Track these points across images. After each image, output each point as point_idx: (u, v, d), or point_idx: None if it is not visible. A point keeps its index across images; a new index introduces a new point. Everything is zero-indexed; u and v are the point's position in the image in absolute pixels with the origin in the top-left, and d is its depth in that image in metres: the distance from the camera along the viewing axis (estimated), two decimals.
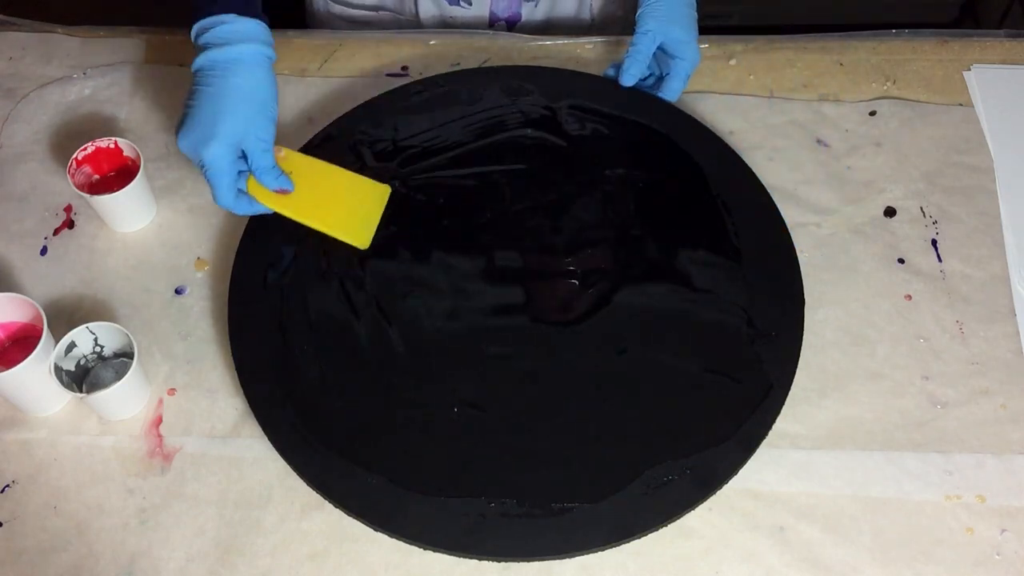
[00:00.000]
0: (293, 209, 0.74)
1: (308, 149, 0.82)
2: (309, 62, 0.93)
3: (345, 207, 0.76)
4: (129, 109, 0.89)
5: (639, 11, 0.83)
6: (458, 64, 0.92)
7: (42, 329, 0.68)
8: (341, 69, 0.92)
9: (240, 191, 0.73)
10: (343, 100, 0.88)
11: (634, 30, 0.83)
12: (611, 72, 0.87)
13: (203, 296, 0.78)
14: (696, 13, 0.84)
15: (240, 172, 0.73)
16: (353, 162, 0.82)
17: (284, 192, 0.74)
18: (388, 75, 0.92)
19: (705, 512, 0.68)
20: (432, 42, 0.94)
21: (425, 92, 0.86)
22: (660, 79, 0.86)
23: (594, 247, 0.78)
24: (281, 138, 0.86)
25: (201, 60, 0.72)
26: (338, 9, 1.01)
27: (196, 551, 0.67)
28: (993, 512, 0.69)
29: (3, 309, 0.71)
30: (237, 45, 0.72)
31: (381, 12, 0.99)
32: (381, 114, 0.85)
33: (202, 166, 0.71)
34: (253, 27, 0.73)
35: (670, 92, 0.85)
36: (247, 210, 0.75)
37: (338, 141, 0.83)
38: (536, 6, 0.97)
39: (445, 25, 0.98)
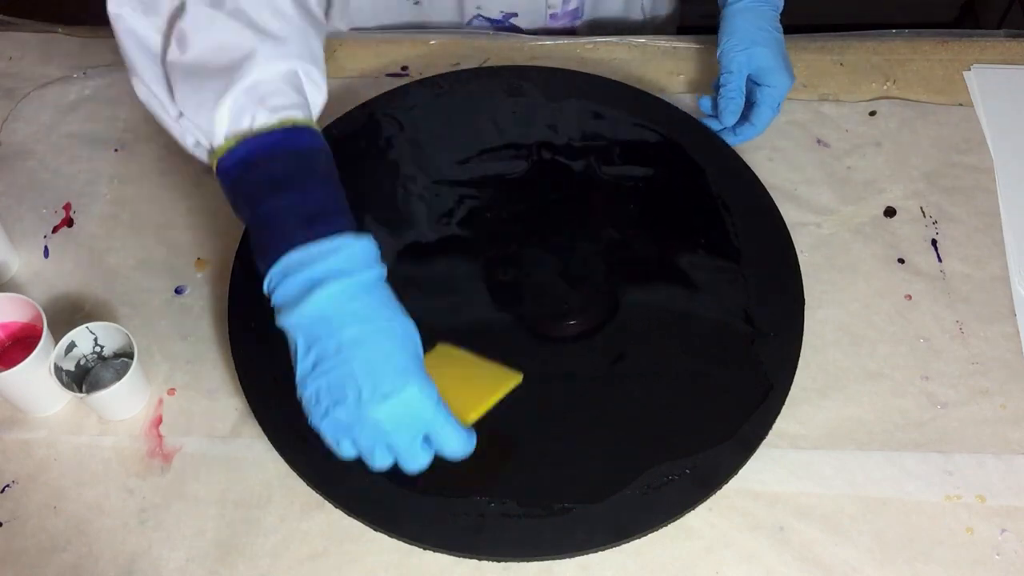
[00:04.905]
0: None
1: None
2: None
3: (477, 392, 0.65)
4: (129, 109, 0.89)
5: (720, 47, 0.81)
6: (458, 64, 0.92)
7: (42, 329, 0.68)
8: (341, 69, 0.92)
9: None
10: (343, 100, 0.88)
11: (719, 69, 0.81)
12: (705, 105, 0.84)
13: (203, 296, 0.78)
14: (781, 35, 0.81)
15: None
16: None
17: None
18: (388, 75, 0.92)
19: (705, 512, 0.68)
20: (432, 42, 0.94)
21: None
22: (750, 106, 0.82)
23: (593, 248, 0.78)
24: None
25: (321, 303, 0.54)
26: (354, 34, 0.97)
27: (196, 551, 0.67)
28: (993, 512, 0.69)
29: (3, 309, 0.71)
30: (361, 274, 0.55)
31: None
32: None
33: (383, 433, 0.55)
34: (369, 246, 0.57)
35: (760, 121, 0.81)
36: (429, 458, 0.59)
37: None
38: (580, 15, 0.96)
39: None
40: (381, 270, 0.57)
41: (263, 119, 0.57)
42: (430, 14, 0.96)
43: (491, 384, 0.66)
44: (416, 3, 0.95)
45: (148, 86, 0.60)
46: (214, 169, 0.59)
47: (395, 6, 0.95)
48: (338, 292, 0.54)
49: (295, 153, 0.57)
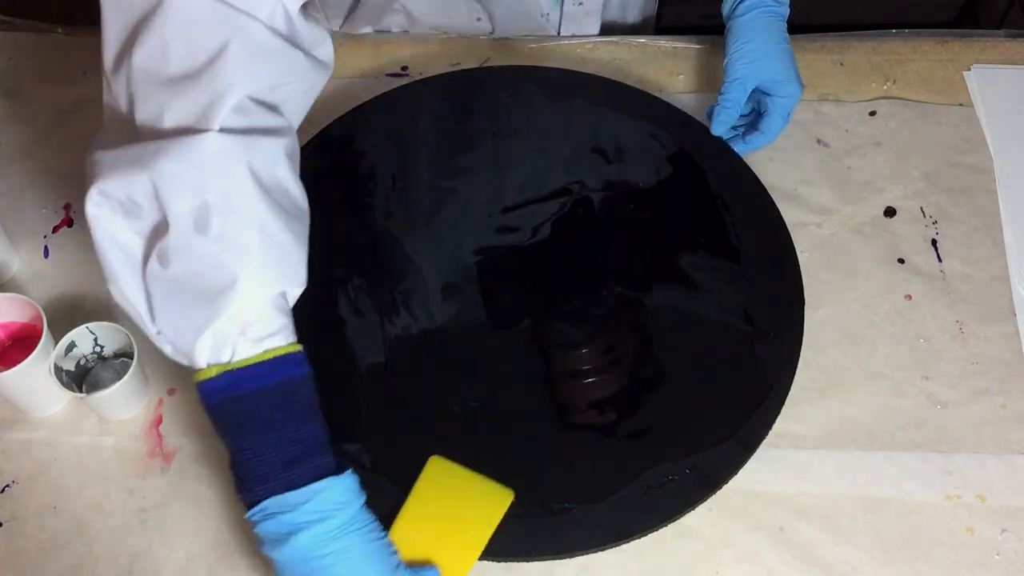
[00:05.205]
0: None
1: (305, 152, 0.82)
2: None
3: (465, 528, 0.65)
4: None
5: (727, 57, 0.80)
6: (458, 64, 0.92)
7: (42, 329, 0.68)
8: (341, 69, 0.92)
9: None
10: (343, 100, 0.87)
11: (724, 77, 0.80)
12: (711, 113, 0.83)
13: None
14: (790, 45, 0.81)
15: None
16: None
17: None
18: (388, 75, 0.92)
19: (705, 512, 0.68)
20: (432, 42, 0.94)
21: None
22: (759, 115, 0.82)
23: (592, 248, 0.78)
24: None
25: (301, 548, 0.55)
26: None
27: (196, 551, 0.67)
28: (993, 512, 0.69)
29: (3, 309, 0.71)
30: (340, 515, 0.57)
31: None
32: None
33: None
34: (347, 484, 0.58)
35: (769, 130, 0.81)
36: None
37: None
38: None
39: None
40: (359, 501, 0.58)
41: (244, 351, 0.56)
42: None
43: (486, 515, 0.65)
44: (478, 20, 0.95)
45: (126, 296, 0.57)
46: (194, 381, 0.58)
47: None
48: (319, 536, 0.56)
49: (276, 389, 0.57)
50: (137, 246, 0.57)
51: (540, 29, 0.95)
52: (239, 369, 0.56)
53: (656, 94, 0.87)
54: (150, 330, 0.57)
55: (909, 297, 0.79)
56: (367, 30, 0.96)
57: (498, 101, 0.86)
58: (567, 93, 0.86)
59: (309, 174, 0.80)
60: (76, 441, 0.71)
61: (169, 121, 0.56)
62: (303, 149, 0.81)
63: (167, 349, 0.58)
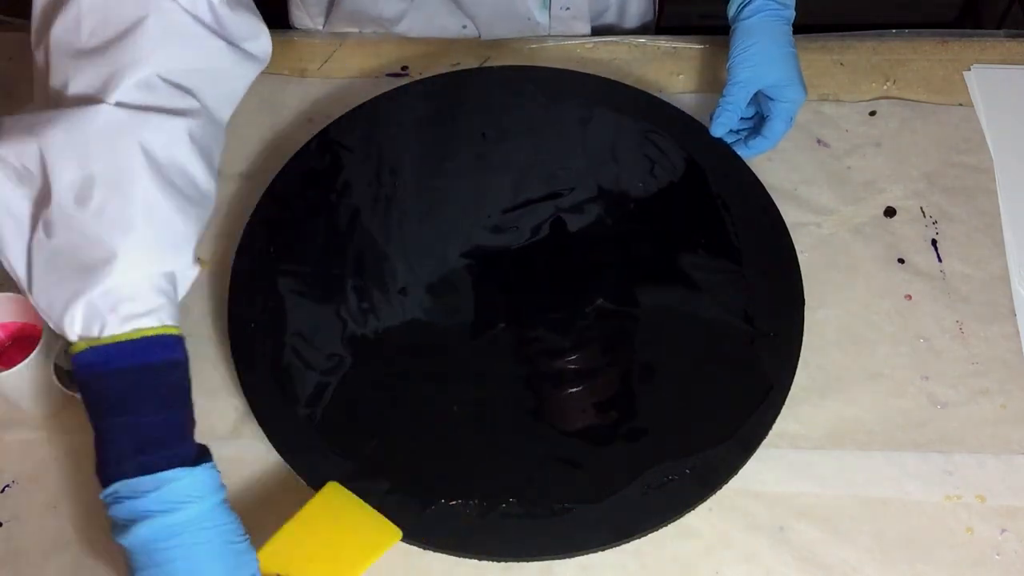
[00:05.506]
0: None
1: (305, 152, 0.82)
2: (309, 62, 0.92)
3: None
4: None
5: (730, 60, 0.80)
6: (458, 64, 0.92)
7: (42, 329, 0.68)
8: (341, 69, 0.92)
9: None
10: (343, 100, 0.88)
11: (727, 79, 0.80)
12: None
13: (203, 296, 0.78)
14: (795, 48, 0.80)
15: None
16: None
17: None
18: (388, 75, 0.92)
19: (705, 512, 0.68)
20: (432, 42, 0.94)
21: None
22: (762, 119, 0.82)
23: (593, 248, 0.78)
24: (281, 139, 0.86)
25: (143, 535, 0.54)
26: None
27: None
28: (993, 512, 0.69)
29: (3, 309, 0.71)
30: (186, 509, 0.55)
31: None
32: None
33: None
34: (201, 478, 0.56)
35: (773, 134, 0.80)
36: None
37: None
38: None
39: None
40: (216, 497, 0.57)
41: (112, 328, 0.55)
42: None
43: (367, 548, 0.63)
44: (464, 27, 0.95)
45: (10, 262, 0.57)
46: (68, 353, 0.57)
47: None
48: (163, 527, 0.54)
49: (139, 369, 0.56)
50: (26, 214, 0.56)
51: (528, 31, 0.95)
52: (105, 346, 0.55)
53: (656, 94, 0.87)
54: (30, 299, 0.57)
55: (909, 297, 0.79)
56: (352, 30, 0.96)
57: (498, 101, 0.86)
58: (567, 93, 0.86)
59: (309, 174, 0.81)
60: (76, 441, 0.71)
61: (71, 91, 0.56)
62: (304, 149, 0.82)
63: (49, 322, 0.57)
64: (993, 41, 0.95)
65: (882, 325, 0.77)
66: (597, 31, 0.97)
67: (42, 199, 0.56)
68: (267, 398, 0.70)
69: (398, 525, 0.65)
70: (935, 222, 0.83)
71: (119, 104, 0.56)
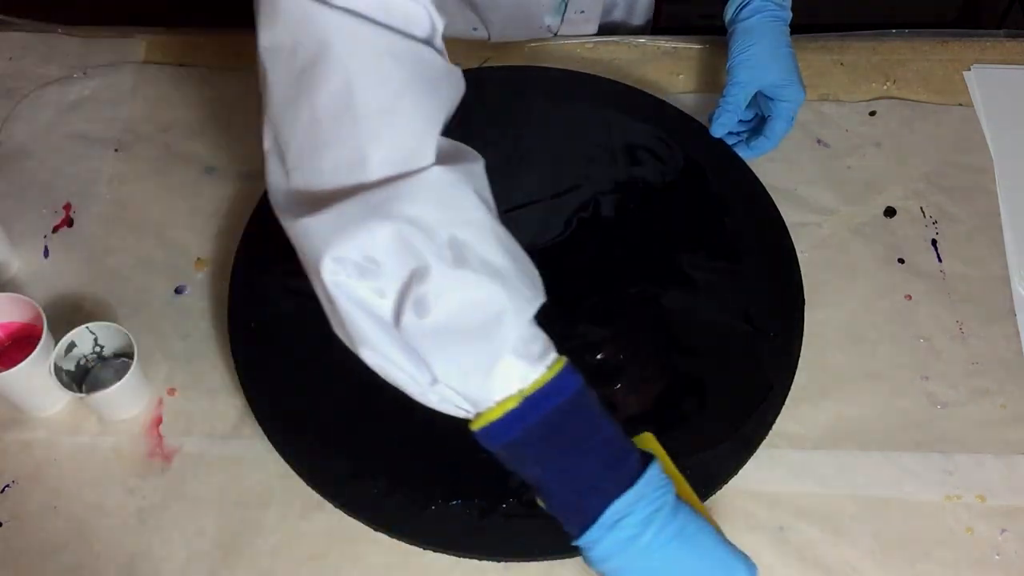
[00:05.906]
0: None
1: None
2: None
3: None
4: (129, 109, 0.88)
5: (730, 61, 0.80)
6: (458, 64, 0.91)
7: (42, 329, 0.68)
8: None
9: None
10: None
11: (726, 80, 0.80)
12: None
13: (203, 296, 0.78)
14: (792, 49, 0.80)
15: None
16: None
17: None
18: None
19: None
20: None
21: None
22: (763, 120, 0.82)
23: (592, 248, 0.78)
24: None
25: (648, 539, 0.54)
26: None
27: (196, 551, 0.67)
28: (993, 512, 0.69)
29: (3, 309, 0.71)
30: (667, 496, 0.55)
31: None
32: None
33: None
34: (657, 466, 0.57)
35: (774, 134, 0.81)
36: None
37: None
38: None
39: None
40: (670, 484, 0.57)
41: (534, 374, 0.54)
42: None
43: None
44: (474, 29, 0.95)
45: (384, 355, 0.54)
46: (473, 428, 0.55)
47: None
48: (662, 523, 0.54)
49: (572, 401, 0.54)
50: (382, 304, 0.52)
51: (538, 34, 0.95)
52: (535, 392, 0.53)
53: (656, 94, 0.87)
54: (424, 384, 0.54)
55: (909, 297, 0.79)
56: None
57: (498, 102, 0.86)
58: (567, 93, 0.86)
59: None
60: (76, 441, 0.71)
61: (375, 162, 0.52)
62: None
63: (446, 407, 0.55)
64: (993, 41, 0.95)
65: (882, 325, 0.77)
66: (603, 28, 0.97)
67: (405, 285, 0.52)
68: (267, 398, 0.70)
69: (398, 525, 0.65)
70: (935, 222, 0.83)
71: (439, 162, 0.53)
